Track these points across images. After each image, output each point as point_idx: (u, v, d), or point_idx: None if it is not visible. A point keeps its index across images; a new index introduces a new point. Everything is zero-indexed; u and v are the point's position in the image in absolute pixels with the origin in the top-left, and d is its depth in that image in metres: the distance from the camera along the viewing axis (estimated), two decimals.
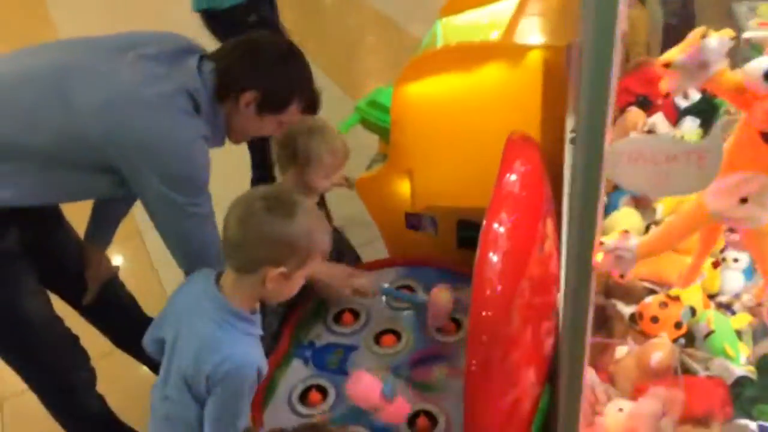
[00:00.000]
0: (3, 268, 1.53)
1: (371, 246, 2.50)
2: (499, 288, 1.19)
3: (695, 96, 1.95)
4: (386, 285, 1.87)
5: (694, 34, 0.95)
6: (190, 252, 1.52)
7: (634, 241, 1.19)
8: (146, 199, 1.47)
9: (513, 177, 1.36)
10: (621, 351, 1.36)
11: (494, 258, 1.21)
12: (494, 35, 1.79)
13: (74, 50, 1.51)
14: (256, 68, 1.50)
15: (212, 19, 2.55)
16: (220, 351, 1.26)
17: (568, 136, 0.76)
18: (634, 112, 1.87)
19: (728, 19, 2.04)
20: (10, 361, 1.69)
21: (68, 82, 1.40)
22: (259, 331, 1.37)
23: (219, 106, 1.50)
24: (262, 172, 2.90)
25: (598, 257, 1.01)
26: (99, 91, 1.38)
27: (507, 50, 1.66)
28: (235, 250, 1.28)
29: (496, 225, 1.25)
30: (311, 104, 1.61)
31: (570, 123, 1.45)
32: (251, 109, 1.52)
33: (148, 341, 1.45)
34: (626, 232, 1.21)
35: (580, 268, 0.82)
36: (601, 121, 0.70)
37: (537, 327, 1.32)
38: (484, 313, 1.17)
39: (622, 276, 1.33)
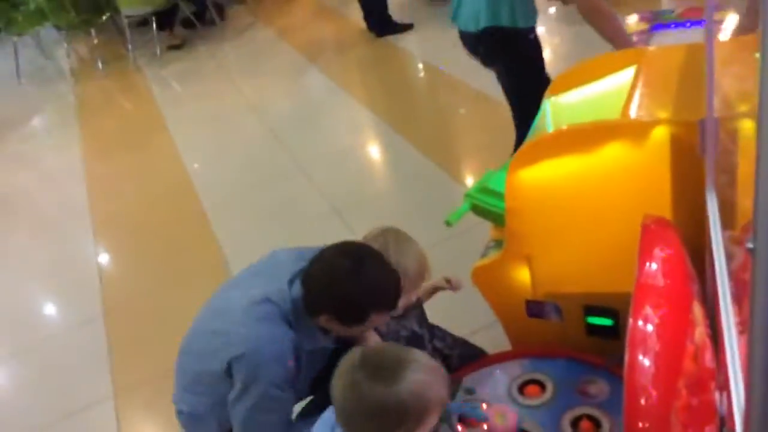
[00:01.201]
0: None
1: (487, 331, 2.40)
2: (655, 394, 1.07)
3: None
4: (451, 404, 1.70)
5: None
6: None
7: None
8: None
9: (654, 266, 1.25)
10: None
11: (645, 361, 1.10)
12: (608, 112, 1.71)
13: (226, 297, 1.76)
14: (327, 294, 1.58)
15: (498, 33, 2.61)
16: None
17: (747, 245, 0.67)
18: None
19: None
20: None
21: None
22: None
23: (311, 319, 1.63)
24: None
25: None
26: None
27: (629, 128, 1.57)
28: (344, 424, 1.24)
29: (642, 323, 1.15)
30: (390, 306, 1.62)
31: (711, 204, 1.34)
32: (334, 324, 1.61)
33: None
34: None
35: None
36: None
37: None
38: (641, 425, 1.05)
39: None
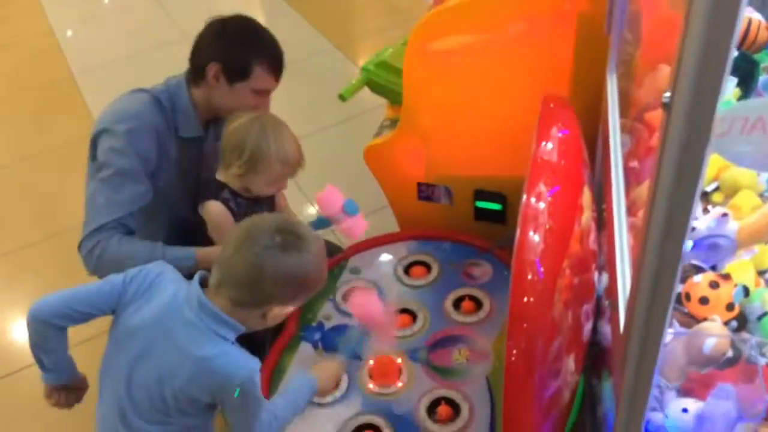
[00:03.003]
0: None
1: (378, 215, 2.37)
2: (542, 270, 1.06)
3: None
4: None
5: None
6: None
7: (734, 225, 1.04)
8: None
9: (550, 145, 1.22)
10: (666, 335, 1.24)
11: (535, 237, 1.07)
12: None
13: None
14: (214, 42, 1.62)
15: None
16: (221, 370, 1.20)
17: (663, 99, 0.62)
18: (666, 70, 1.72)
19: None
20: None
21: None
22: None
23: (190, 92, 1.65)
24: None
25: (688, 246, 0.89)
26: None
27: (535, 2, 1.49)
28: (241, 287, 1.20)
29: (534, 200, 1.12)
30: (274, 65, 1.64)
31: (611, 85, 1.31)
32: (222, 81, 1.61)
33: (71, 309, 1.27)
34: (725, 214, 1.05)
35: (665, 259, 0.69)
36: (716, 76, 0.56)
37: (577, 311, 1.19)
38: (525, 299, 1.04)
39: (713, 268, 1.19)
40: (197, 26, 1.66)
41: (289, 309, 1.28)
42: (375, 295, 1.61)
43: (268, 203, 1.70)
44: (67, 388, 1.38)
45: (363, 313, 1.53)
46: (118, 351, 1.26)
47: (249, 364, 1.23)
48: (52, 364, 1.33)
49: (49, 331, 1.28)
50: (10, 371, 2.15)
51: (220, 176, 1.60)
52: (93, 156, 1.61)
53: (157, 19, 4.00)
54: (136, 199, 1.57)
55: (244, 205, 1.63)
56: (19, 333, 2.33)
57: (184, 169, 1.69)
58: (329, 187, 1.65)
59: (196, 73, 1.64)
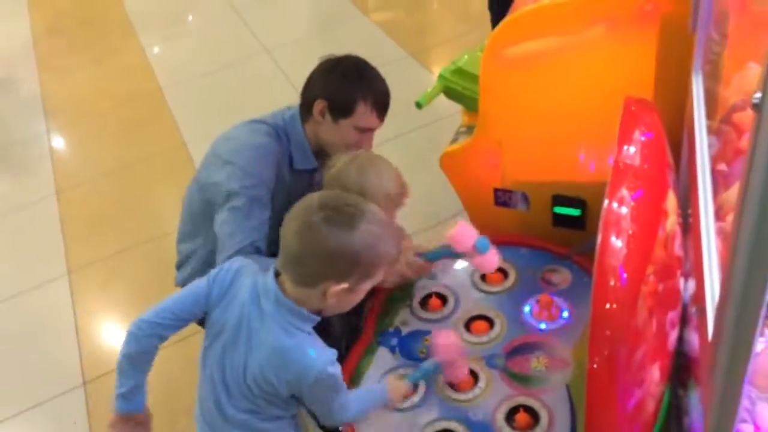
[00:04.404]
0: None
1: (454, 221, 2.37)
2: (625, 276, 1.04)
3: None
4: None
5: None
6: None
7: None
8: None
9: (633, 149, 1.19)
10: (759, 343, 1.19)
11: (617, 243, 1.05)
12: None
13: None
14: (323, 79, 1.70)
15: None
16: (297, 360, 1.22)
17: (753, 99, 0.60)
18: (755, 69, 1.64)
19: None
20: None
21: None
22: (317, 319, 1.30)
23: (303, 126, 1.73)
24: None
25: None
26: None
27: (616, 3, 1.47)
28: (293, 263, 1.21)
29: (616, 205, 1.10)
30: (378, 103, 1.69)
31: (697, 86, 1.27)
32: (327, 118, 1.69)
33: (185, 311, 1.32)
34: None
35: (756, 262, 0.67)
36: None
37: (662, 318, 1.16)
38: (608, 306, 1.02)
39: None
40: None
41: (347, 286, 1.22)
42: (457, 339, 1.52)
43: None
44: (132, 421, 1.37)
45: (446, 356, 1.49)
46: (213, 343, 1.32)
47: (322, 357, 1.24)
48: (130, 392, 1.34)
49: (152, 347, 1.33)
50: (104, 371, 2.28)
51: None
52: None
53: (239, 34, 4.15)
54: (265, 223, 1.64)
55: None
56: (111, 336, 2.46)
57: (295, 195, 1.73)
58: (461, 224, 1.59)
59: (305, 108, 1.71)
